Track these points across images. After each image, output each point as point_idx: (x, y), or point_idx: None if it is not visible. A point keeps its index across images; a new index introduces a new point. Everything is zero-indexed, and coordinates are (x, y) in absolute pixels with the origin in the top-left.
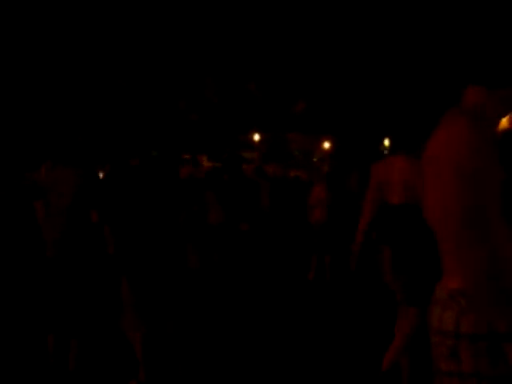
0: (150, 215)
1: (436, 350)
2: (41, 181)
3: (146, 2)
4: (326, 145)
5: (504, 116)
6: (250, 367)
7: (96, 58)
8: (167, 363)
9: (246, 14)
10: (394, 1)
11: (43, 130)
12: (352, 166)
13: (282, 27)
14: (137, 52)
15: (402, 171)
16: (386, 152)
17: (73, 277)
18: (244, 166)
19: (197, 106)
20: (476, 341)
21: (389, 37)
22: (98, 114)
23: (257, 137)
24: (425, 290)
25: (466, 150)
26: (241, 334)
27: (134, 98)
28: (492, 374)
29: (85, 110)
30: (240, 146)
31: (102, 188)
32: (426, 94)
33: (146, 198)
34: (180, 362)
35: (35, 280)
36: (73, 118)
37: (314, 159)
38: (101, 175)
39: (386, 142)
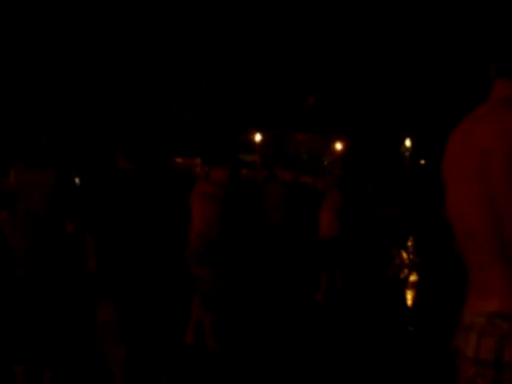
0: (144, 226)
1: (469, 382)
2: (8, 186)
3: None
4: (338, 146)
5: None
6: None
7: (72, 47)
8: None
9: None
10: None
11: (12, 129)
12: (368, 171)
13: (285, 9)
14: (121, 41)
15: None
16: (407, 154)
17: (44, 298)
18: (244, 170)
19: (189, 102)
20: None
21: (413, 22)
22: (75, 109)
23: (258, 137)
24: None
25: None
26: (243, 362)
27: (116, 91)
28: None
29: (60, 106)
30: (239, 147)
31: (78, 194)
32: (450, 86)
33: (140, 207)
34: None
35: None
36: (45, 116)
37: (325, 163)
38: (77, 180)
39: (408, 143)
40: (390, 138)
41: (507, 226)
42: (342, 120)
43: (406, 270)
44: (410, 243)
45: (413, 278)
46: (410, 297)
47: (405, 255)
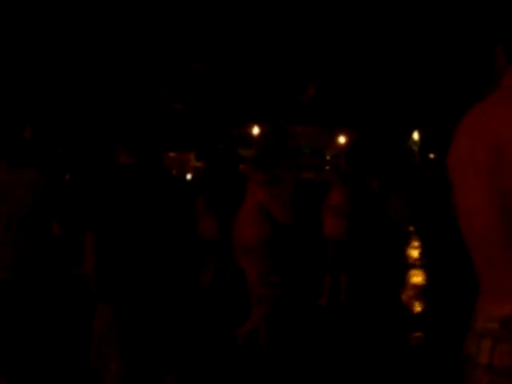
0: (149, 225)
1: None
2: None
3: None
4: (342, 139)
5: None
6: None
7: (58, 37)
8: None
9: None
10: None
11: None
12: (374, 165)
13: None
14: (105, 22)
15: None
16: (415, 148)
17: (30, 303)
18: (241, 166)
19: (181, 92)
20: None
21: (421, 9)
22: (61, 101)
23: (256, 130)
24: None
25: None
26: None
27: (100, 80)
28: None
29: (44, 97)
30: (235, 141)
31: (65, 192)
32: (459, 74)
33: (145, 204)
34: None
35: None
36: (27, 109)
37: (328, 157)
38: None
39: (416, 136)
40: (397, 131)
41: None
42: (345, 111)
43: (414, 272)
44: (417, 243)
45: (420, 280)
46: (417, 301)
47: (413, 256)
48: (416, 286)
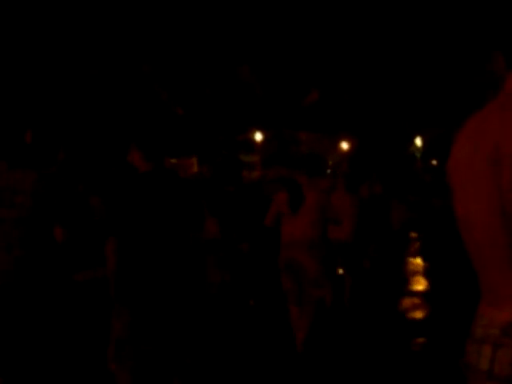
0: (167, 230)
1: None
2: None
3: None
4: (344, 145)
5: None
6: None
7: (59, 42)
8: None
9: None
10: None
11: None
12: (376, 171)
13: (288, 2)
14: (106, 24)
15: None
16: (417, 154)
17: (32, 309)
18: (244, 172)
19: (183, 97)
20: None
21: (422, 16)
22: (60, 106)
23: (258, 136)
24: None
25: None
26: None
27: (102, 83)
28: None
29: (44, 103)
30: (238, 147)
31: (69, 197)
32: (461, 81)
33: (164, 211)
34: None
35: None
36: (28, 112)
37: (330, 163)
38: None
39: (418, 142)
40: (399, 137)
41: None
42: (347, 118)
43: (416, 278)
44: (419, 249)
45: (423, 286)
46: (419, 307)
47: (416, 261)
48: (418, 292)
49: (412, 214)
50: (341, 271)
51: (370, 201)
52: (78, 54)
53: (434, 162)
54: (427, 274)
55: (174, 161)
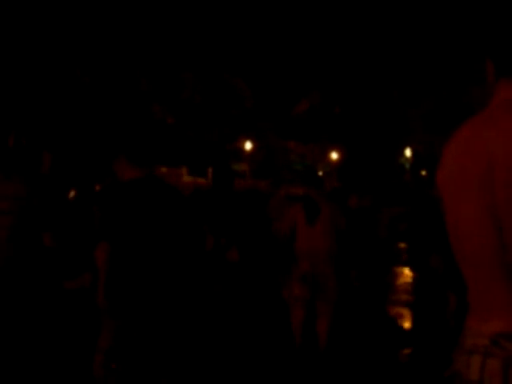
0: (158, 239)
1: None
2: None
3: None
4: (334, 156)
5: None
6: None
7: (51, 47)
8: None
9: None
10: None
11: None
12: (365, 182)
13: (280, 10)
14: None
15: None
16: (407, 165)
17: (22, 315)
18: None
19: (173, 106)
20: None
21: (413, 26)
22: (52, 112)
23: (248, 145)
24: None
25: None
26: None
27: (94, 94)
28: None
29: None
30: (227, 156)
31: (56, 203)
32: (452, 90)
33: (155, 219)
34: None
35: None
36: (12, 115)
37: (319, 173)
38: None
39: (408, 153)
40: (389, 148)
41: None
42: (337, 128)
43: (403, 288)
44: (407, 260)
45: (410, 296)
46: (406, 317)
47: (404, 272)
48: (405, 302)
49: (400, 225)
50: None
51: (359, 212)
52: (69, 62)
53: (424, 173)
54: (415, 284)
55: (164, 170)
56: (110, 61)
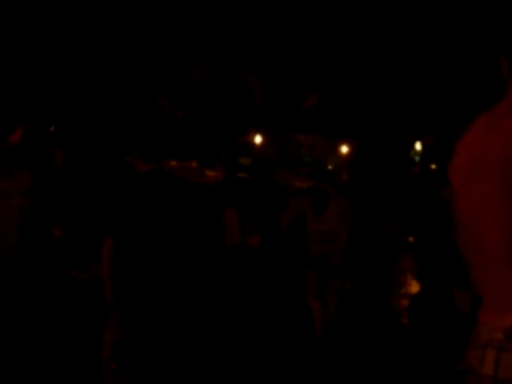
0: (165, 233)
1: None
2: None
3: None
4: (344, 149)
5: None
6: None
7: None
8: None
9: None
10: None
11: None
12: (375, 176)
13: (288, 4)
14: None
15: None
16: (417, 159)
17: (32, 307)
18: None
19: (182, 100)
20: None
21: (423, 20)
22: (58, 106)
23: (258, 139)
24: None
25: None
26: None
27: (102, 84)
28: None
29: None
30: (237, 149)
31: (64, 196)
32: (462, 85)
33: (163, 212)
34: None
35: None
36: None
37: (329, 167)
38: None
39: (418, 147)
40: (399, 141)
41: None
42: (347, 122)
43: (410, 282)
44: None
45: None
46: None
47: (410, 266)
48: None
49: (409, 219)
50: None
51: (367, 206)
52: (78, 55)
53: (434, 167)
54: (421, 277)
55: (173, 163)
56: (120, 55)
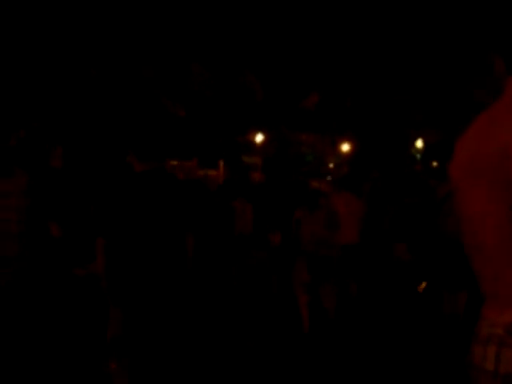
0: (160, 230)
1: None
2: None
3: None
4: (345, 148)
5: None
6: None
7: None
8: None
9: None
10: None
11: None
12: (375, 173)
13: (288, 3)
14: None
15: None
16: (418, 156)
17: (33, 306)
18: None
19: (184, 99)
20: None
21: (423, 18)
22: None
23: (259, 138)
24: None
25: None
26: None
27: (103, 85)
28: None
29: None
30: (238, 148)
31: (62, 195)
32: (462, 83)
33: (158, 211)
34: None
35: None
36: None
37: (330, 165)
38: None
39: (419, 144)
40: (400, 139)
41: None
42: (348, 120)
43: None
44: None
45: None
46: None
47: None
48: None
49: (410, 216)
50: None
51: (370, 203)
52: (77, 55)
53: (435, 164)
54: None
55: (174, 163)
56: (120, 55)
